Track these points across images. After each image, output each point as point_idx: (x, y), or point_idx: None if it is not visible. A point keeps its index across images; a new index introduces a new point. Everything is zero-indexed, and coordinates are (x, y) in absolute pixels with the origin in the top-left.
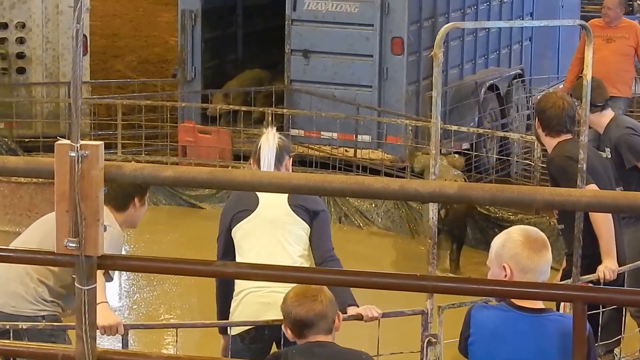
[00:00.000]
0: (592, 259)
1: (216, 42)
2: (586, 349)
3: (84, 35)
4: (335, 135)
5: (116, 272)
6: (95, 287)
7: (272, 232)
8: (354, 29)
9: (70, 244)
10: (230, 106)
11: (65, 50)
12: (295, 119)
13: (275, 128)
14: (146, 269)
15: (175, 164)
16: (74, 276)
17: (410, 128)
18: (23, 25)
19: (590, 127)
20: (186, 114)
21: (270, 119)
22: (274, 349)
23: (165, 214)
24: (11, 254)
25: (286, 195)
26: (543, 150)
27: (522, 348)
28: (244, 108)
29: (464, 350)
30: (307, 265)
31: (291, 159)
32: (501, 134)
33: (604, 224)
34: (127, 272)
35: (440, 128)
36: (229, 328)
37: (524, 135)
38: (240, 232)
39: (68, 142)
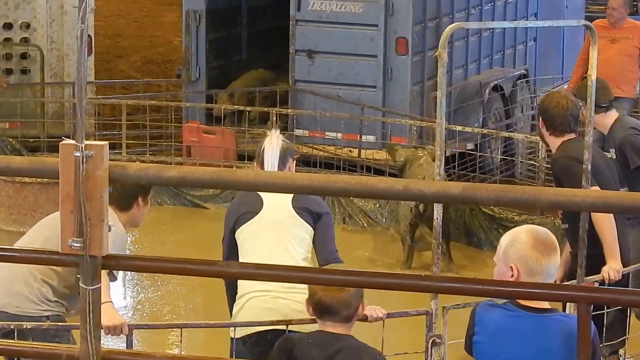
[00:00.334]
0: (596, 259)
1: (220, 42)
2: (591, 349)
3: (89, 36)
4: (339, 135)
5: (120, 272)
6: (100, 287)
7: (276, 234)
8: (358, 29)
9: (75, 244)
10: (235, 106)
11: (70, 50)
12: (299, 119)
13: (279, 130)
14: (150, 269)
15: (179, 164)
16: (79, 276)
17: (414, 128)
18: (28, 26)
19: (594, 128)
20: (190, 114)
21: (274, 119)
22: None
23: (169, 214)
24: (15, 254)
25: (290, 197)
26: (547, 151)
27: (525, 347)
28: (248, 108)
29: (469, 349)
30: None
31: (294, 161)
32: (505, 134)
33: (606, 225)
34: (132, 272)
35: (445, 128)
36: (231, 330)
37: (528, 136)
38: (243, 234)
39: (73, 142)
